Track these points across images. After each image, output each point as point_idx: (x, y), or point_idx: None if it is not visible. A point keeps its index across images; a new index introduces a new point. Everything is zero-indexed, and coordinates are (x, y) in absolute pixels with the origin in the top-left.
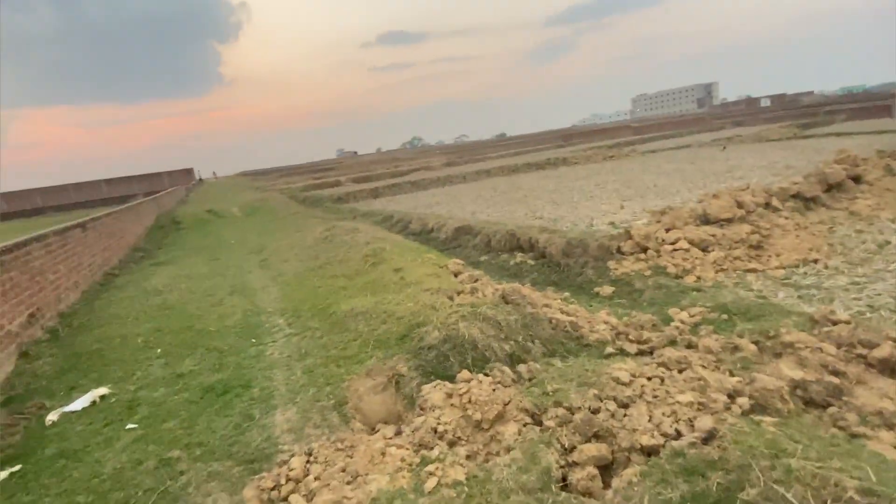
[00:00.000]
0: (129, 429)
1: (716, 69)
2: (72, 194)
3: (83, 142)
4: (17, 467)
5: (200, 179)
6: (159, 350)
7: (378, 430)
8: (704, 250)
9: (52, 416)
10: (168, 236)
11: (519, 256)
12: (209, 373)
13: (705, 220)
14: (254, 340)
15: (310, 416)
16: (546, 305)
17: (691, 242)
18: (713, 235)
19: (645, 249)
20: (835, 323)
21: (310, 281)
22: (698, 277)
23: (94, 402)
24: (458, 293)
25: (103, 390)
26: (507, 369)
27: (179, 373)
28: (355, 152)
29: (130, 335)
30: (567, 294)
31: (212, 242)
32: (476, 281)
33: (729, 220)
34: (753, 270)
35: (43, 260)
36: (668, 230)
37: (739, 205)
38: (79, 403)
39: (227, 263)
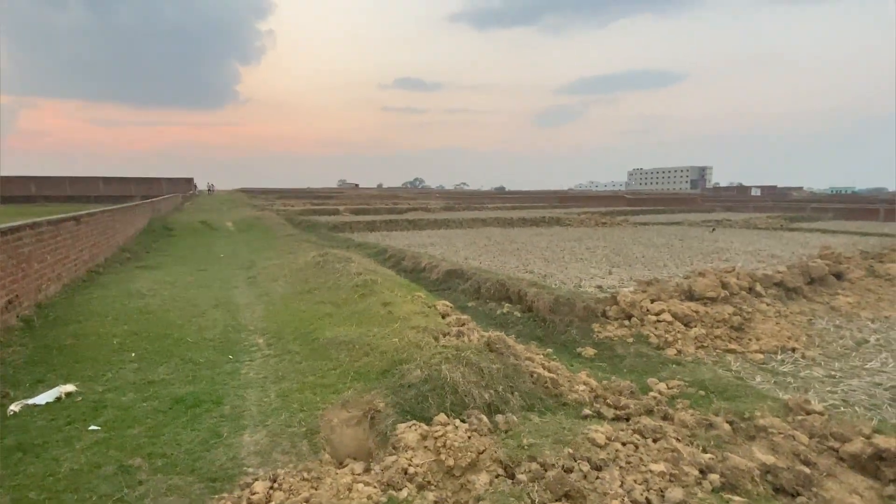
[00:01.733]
0: (92, 430)
1: (711, 154)
2: (67, 187)
3: (90, 137)
4: None
5: (210, 190)
6: (133, 354)
7: (347, 465)
8: (687, 325)
9: (13, 407)
10: (158, 241)
11: (506, 307)
12: (181, 384)
13: (690, 296)
14: (231, 357)
15: (279, 441)
16: (529, 359)
17: (675, 316)
18: (696, 312)
19: (629, 317)
20: (808, 413)
21: (296, 304)
22: (679, 351)
23: (58, 398)
24: (444, 335)
25: (70, 387)
26: (484, 418)
27: (151, 380)
28: (356, 185)
29: (106, 335)
30: (550, 350)
31: (201, 253)
32: (463, 325)
33: (713, 299)
34: (733, 351)
35: (32, 247)
36: (653, 301)
37: (724, 285)
38: (43, 398)
39: (213, 276)
